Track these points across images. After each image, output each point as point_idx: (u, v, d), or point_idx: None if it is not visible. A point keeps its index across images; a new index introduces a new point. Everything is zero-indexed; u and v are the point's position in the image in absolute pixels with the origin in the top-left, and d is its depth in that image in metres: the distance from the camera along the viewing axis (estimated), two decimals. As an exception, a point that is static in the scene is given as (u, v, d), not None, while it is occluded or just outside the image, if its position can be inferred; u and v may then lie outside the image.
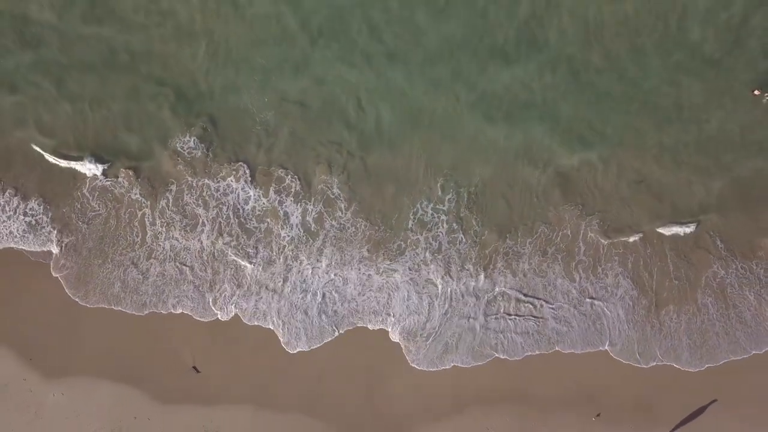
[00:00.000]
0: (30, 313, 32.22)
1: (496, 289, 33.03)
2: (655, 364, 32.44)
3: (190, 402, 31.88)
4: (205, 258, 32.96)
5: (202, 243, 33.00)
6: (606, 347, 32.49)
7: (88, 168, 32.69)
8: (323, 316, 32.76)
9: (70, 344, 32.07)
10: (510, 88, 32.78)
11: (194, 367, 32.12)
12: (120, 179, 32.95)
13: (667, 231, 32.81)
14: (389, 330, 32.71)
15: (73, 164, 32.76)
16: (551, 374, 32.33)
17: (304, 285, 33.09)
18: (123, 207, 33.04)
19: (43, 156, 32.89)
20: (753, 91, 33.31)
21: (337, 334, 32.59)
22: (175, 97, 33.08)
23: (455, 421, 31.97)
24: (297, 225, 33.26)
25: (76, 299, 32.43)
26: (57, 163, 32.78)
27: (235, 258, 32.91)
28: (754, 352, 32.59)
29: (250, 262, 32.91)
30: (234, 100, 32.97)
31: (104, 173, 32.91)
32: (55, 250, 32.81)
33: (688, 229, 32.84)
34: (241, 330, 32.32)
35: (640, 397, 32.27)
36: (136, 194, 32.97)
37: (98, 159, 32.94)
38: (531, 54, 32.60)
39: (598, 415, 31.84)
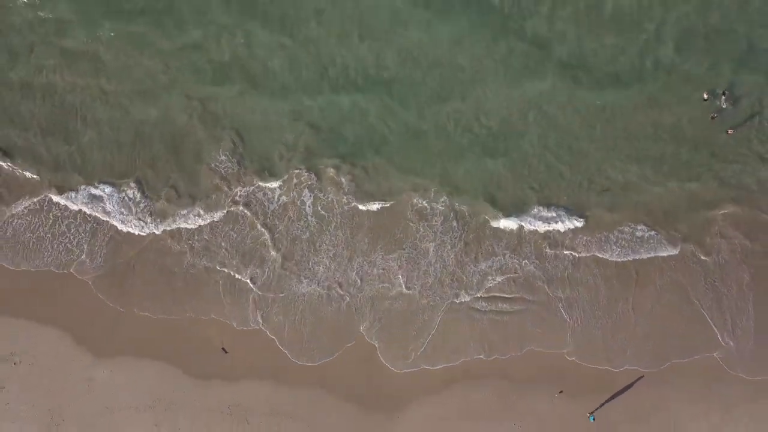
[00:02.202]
0: (82, 301, 34.24)
1: (478, 275, 33.47)
2: (625, 368, 32.69)
3: (218, 378, 33.55)
4: (235, 264, 34.56)
5: (228, 250, 34.70)
6: (566, 349, 32.89)
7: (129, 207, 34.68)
8: (329, 327, 33.78)
9: (116, 328, 34.08)
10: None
11: (223, 349, 33.89)
12: (162, 198, 35.12)
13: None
14: (363, 332, 33.53)
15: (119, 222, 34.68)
16: (528, 355, 33.49)
17: (314, 282, 34.26)
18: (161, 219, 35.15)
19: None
20: (704, 95, 33.77)
21: (338, 353, 33.55)
22: (203, 110, 35.35)
23: (444, 395, 33.16)
24: (310, 215, 34.43)
25: (103, 297, 34.15)
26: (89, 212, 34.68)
27: (255, 272, 34.46)
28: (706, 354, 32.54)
29: (256, 281, 34.43)
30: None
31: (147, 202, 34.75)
32: (86, 259, 34.42)
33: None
34: (262, 318, 34.30)
35: (602, 371, 33.20)
36: (176, 201, 35.08)
37: (140, 186, 34.97)
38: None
39: (561, 392, 32.71)
